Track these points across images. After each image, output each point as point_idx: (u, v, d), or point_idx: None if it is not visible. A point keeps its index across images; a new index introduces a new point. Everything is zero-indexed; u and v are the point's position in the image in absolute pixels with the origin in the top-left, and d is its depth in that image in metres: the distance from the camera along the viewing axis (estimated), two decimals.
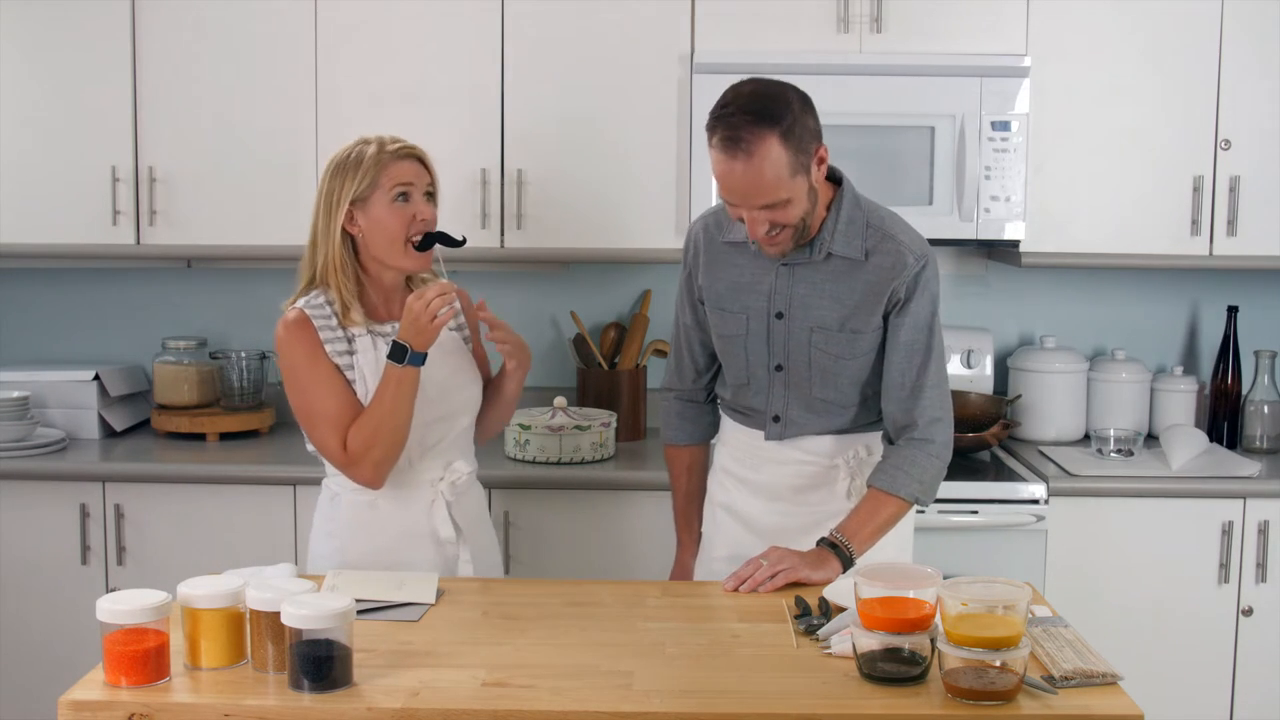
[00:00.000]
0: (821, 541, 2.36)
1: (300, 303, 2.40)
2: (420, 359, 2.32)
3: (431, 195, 2.43)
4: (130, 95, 3.39)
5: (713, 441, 2.70)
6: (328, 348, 2.37)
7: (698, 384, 2.65)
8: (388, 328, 2.43)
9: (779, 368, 2.47)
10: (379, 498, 2.42)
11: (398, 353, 2.31)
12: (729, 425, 2.61)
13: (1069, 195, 3.39)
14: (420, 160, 2.41)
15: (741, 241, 2.44)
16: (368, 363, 2.39)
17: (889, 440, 2.47)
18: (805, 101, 2.27)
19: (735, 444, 2.59)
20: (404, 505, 2.44)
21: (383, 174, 2.36)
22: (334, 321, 2.39)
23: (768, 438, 2.52)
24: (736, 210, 2.29)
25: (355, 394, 2.38)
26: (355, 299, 2.40)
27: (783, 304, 2.43)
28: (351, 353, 2.39)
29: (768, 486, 2.54)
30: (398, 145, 2.39)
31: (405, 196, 2.37)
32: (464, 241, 2.44)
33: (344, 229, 2.38)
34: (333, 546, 2.45)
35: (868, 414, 2.51)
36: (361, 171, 2.35)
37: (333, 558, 2.44)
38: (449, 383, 2.46)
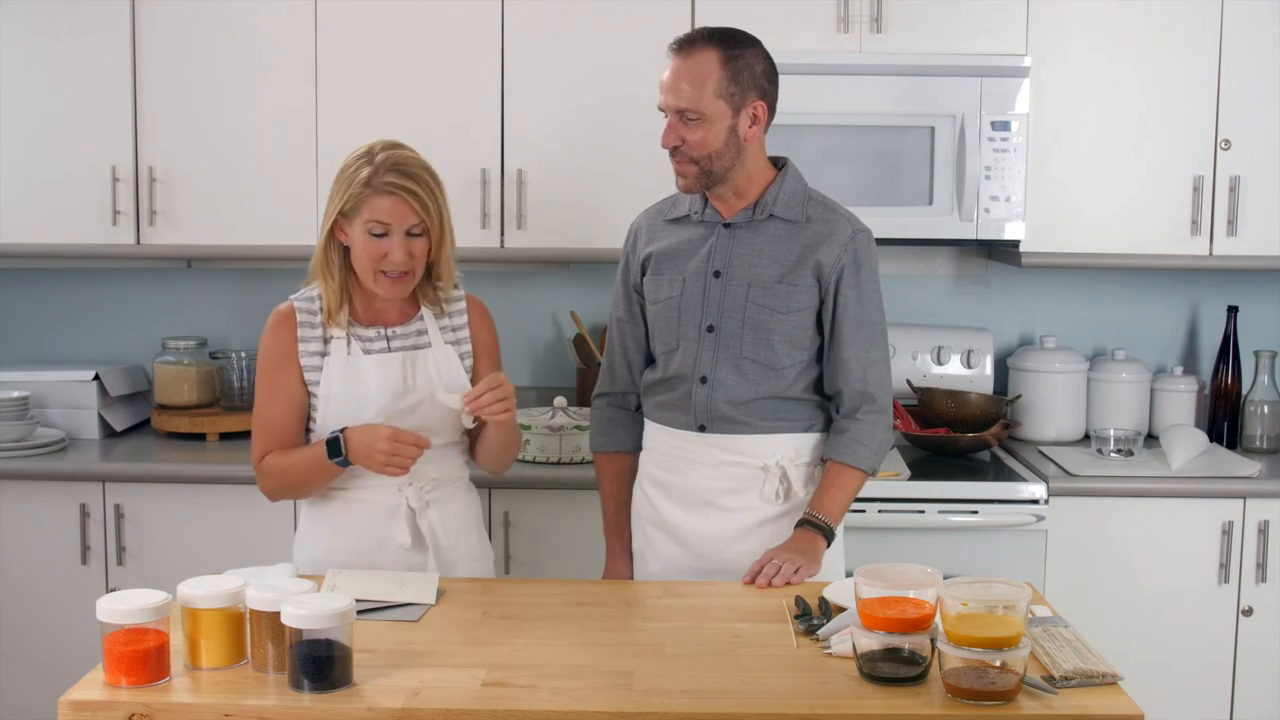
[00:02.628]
0: (801, 524, 2.41)
1: (296, 295, 2.43)
2: (346, 465, 2.32)
3: (420, 234, 2.33)
4: (130, 95, 3.39)
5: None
6: (302, 346, 2.38)
7: (629, 386, 2.66)
8: (371, 332, 2.41)
9: (710, 329, 2.49)
10: (350, 495, 2.41)
11: (334, 449, 2.30)
12: (654, 430, 2.59)
13: (1069, 195, 3.39)
14: (410, 199, 2.30)
15: (684, 215, 2.55)
16: (336, 364, 2.38)
17: (837, 413, 2.52)
18: (766, 59, 2.45)
19: (659, 448, 2.58)
20: (369, 508, 2.41)
21: (365, 203, 2.30)
22: (318, 318, 2.40)
23: (695, 405, 2.49)
24: (664, 115, 2.42)
25: (301, 414, 2.40)
26: (340, 302, 2.38)
27: (721, 263, 2.49)
28: (325, 354, 2.39)
29: (693, 492, 2.52)
30: (391, 180, 2.29)
31: (381, 234, 2.32)
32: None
33: (333, 233, 2.37)
34: (303, 541, 2.48)
35: (792, 391, 2.50)
36: (350, 191, 2.31)
37: (306, 552, 2.46)
38: (422, 396, 2.40)
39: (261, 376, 2.42)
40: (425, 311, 2.46)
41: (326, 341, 2.39)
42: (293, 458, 2.38)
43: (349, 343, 2.39)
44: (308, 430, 2.44)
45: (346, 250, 2.38)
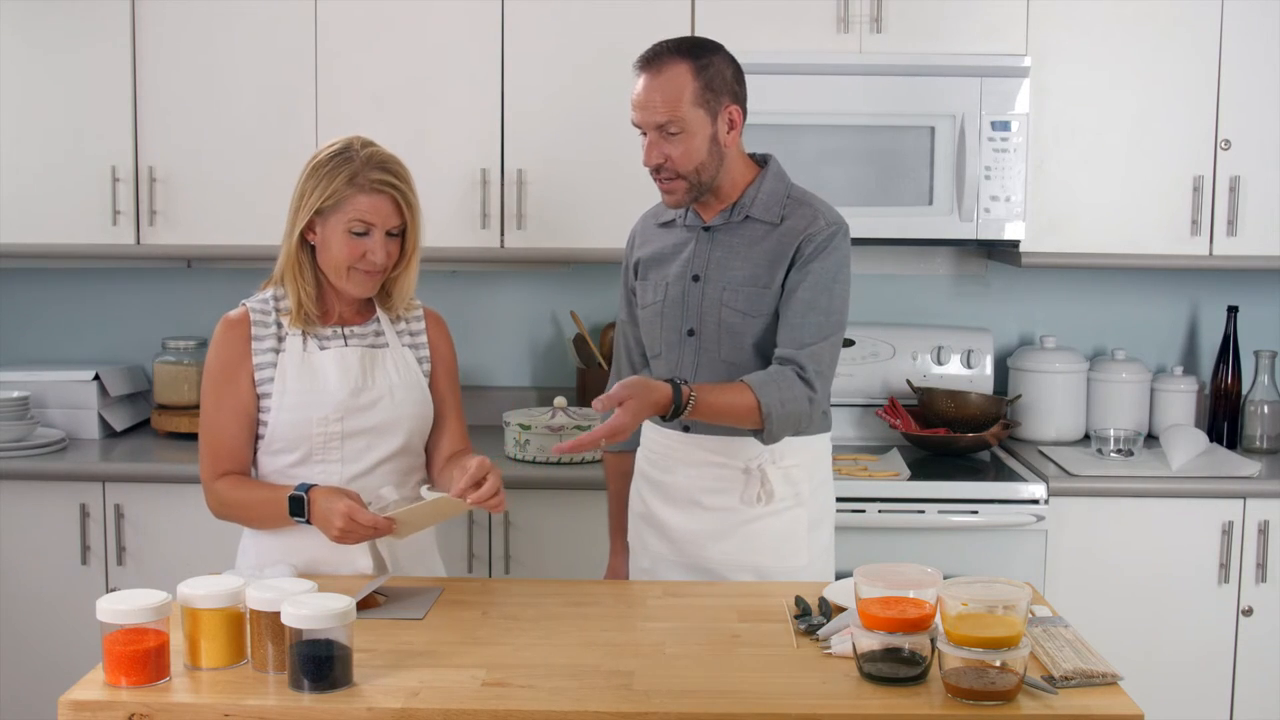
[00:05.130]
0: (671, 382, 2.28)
1: (251, 299, 2.39)
2: (309, 524, 2.24)
3: (400, 234, 2.34)
4: (130, 95, 3.39)
5: None
6: (255, 345, 2.34)
7: None
8: (328, 330, 2.38)
9: (691, 333, 2.49)
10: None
11: (296, 508, 2.23)
12: (647, 428, 2.60)
13: (1069, 195, 3.39)
14: (396, 197, 2.31)
15: (671, 220, 2.55)
16: (291, 362, 2.34)
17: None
18: (733, 63, 2.43)
19: (651, 445, 2.59)
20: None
21: (348, 201, 2.28)
22: (272, 317, 2.36)
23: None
24: (642, 135, 2.40)
25: (250, 427, 2.34)
26: (313, 301, 2.35)
27: (700, 267, 2.48)
28: (279, 350, 2.35)
29: (680, 490, 2.52)
30: (377, 178, 2.29)
31: (364, 233, 2.31)
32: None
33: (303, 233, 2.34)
34: (251, 559, 2.37)
35: None
36: (331, 188, 2.28)
37: (253, 566, 2.34)
38: (381, 394, 2.38)
39: (209, 387, 2.36)
40: (381, 315, 2.44)
41: (281, 340, 2.36)
42: (252, 496, 2.32)
43: (304, 340, 2.36)
44: (258, 437, 2.37)
45: (312, 249, 2.36)
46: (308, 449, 2.34)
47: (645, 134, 2.41)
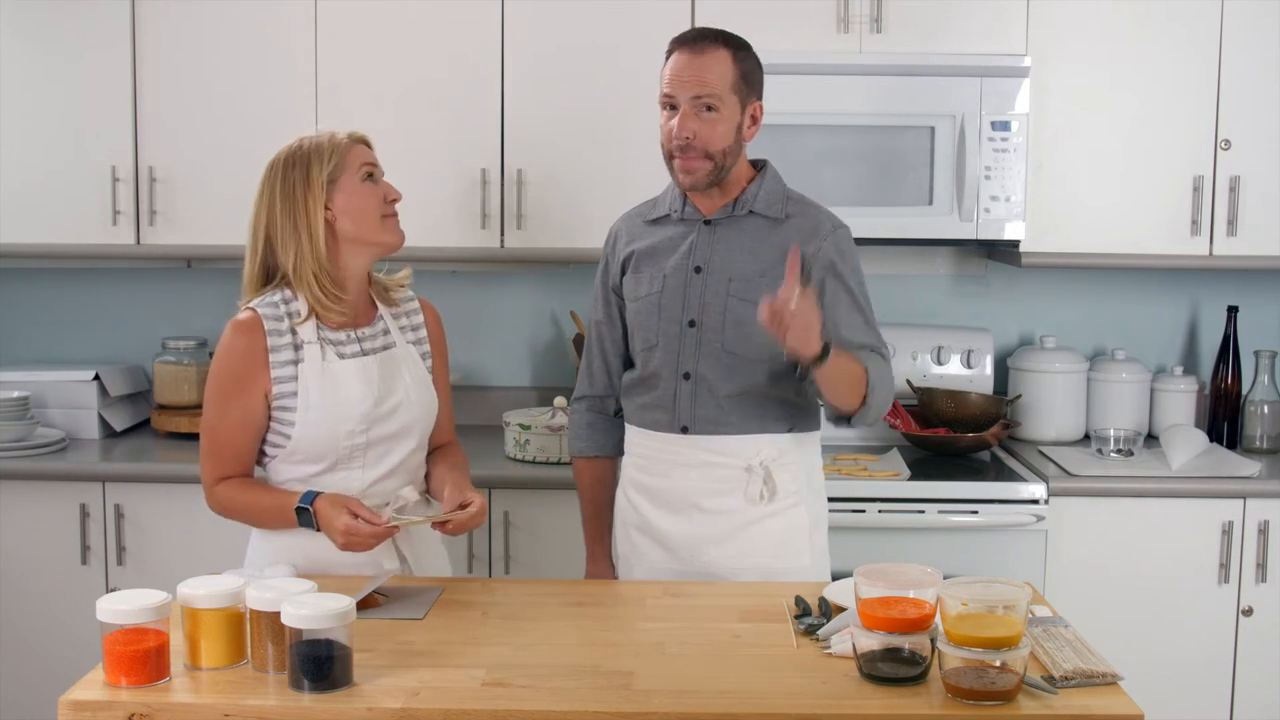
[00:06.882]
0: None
1: (258, 303, 2.32)
2: (314, 529, 2.25)
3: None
4: (130, 95, 3.39)
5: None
6: (273, 357, 2.28)
7: (608, 389, 2.64)
8: (341, 335, 2.35)
9: (692, 324, 2.48)
10: None
11: (304, 518, 2.23)
12: (635, 434, 2.57)
13: (1069, 195, 3.39)
14: (366, 141, 2.39)
15: (664, 215, 2.55)
16: (313, 374, 2.30)
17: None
18: (760, 64, 2.49)
19: (642, 451, 2.55)
20: None
21: (349, 155, 2.32)
22: (285, 324, 2.30)
23: (678, 404, 2.48)
24: (671, 112, 2.41)
25: (257, 435, 2.31)
26: (335, 299, 2.32)
27: (702, 259, 2.49)
28: (297, 361, 2.30)
29: (676, 495, 2.50)
30: (346, 133, 2.36)
31: (371, 176, 2.35)
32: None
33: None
34: (263, 558, 2.35)
35: (775, 388, 2.48)
36: (328, 155, 2.30)
37: (272, 558, 2.33)
38: (400, 399, 2.37)
39: (217, 392, 2.30)
40: (383, 311, 2.44)
41: (298, 349, 2.31)
42: (255, 502, 2.31)
43: (322, 349, 2.32)
44: (276, 445, 2.33)
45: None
46: (334, 459, 2.33)
47: (674, 110, 2.42)
